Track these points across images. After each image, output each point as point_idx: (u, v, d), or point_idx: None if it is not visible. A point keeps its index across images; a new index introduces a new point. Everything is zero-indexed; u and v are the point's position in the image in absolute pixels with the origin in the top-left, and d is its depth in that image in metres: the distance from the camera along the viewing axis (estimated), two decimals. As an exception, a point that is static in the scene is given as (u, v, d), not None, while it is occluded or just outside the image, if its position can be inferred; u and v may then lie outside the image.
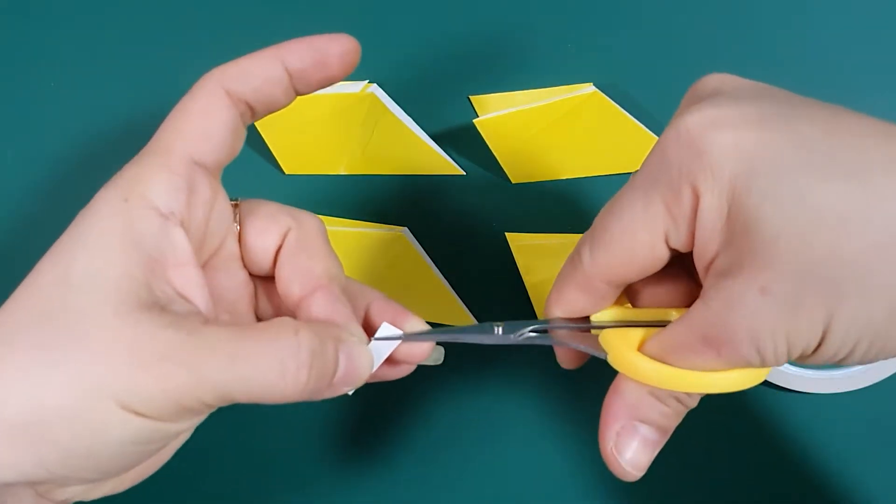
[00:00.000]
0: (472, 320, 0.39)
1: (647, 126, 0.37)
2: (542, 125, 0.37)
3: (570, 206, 0.39)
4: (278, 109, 0.27)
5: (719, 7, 0.38)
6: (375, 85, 0.38)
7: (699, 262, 0.23)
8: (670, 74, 0.38)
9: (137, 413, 0.22)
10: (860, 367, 0.38)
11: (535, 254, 0.38)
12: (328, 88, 0.36)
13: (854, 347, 0.22)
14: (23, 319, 0.22)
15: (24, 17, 0.40)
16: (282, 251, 0.27)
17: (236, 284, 0.28)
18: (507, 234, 0.39)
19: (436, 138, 0.39)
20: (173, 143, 0.25)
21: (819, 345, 0.22)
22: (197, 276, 0.24)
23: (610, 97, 0.37)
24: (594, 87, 0.37)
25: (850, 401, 0.38)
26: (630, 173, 0.38)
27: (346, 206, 0.40)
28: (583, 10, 0.38)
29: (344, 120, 0.38)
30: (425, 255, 0.39)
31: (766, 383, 0.39)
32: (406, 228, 0.39)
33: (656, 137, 0.37)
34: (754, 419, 0.39)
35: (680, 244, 0.24)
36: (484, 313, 0.40)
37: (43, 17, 0.40)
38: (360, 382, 0.25)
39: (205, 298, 0.24)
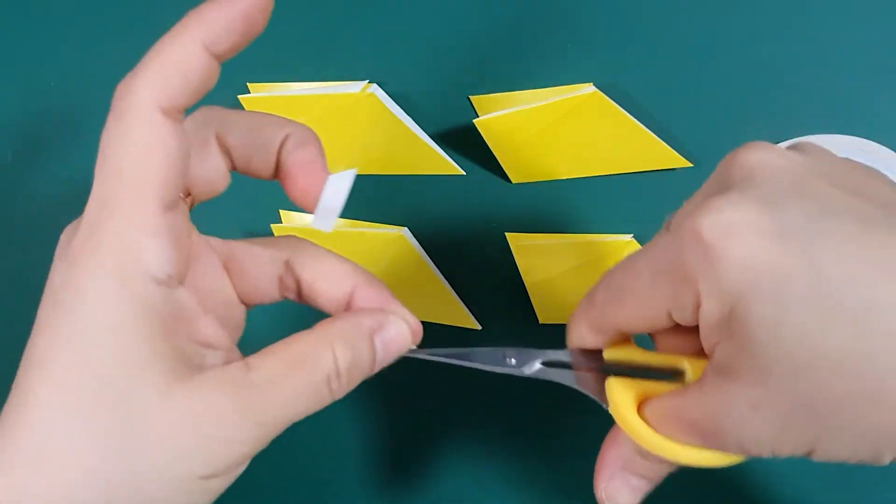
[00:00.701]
0: (472, 320, 0.39)
1: (647, 126, 0.37)
2: (543, 125, 0.37)
3: (570, 206, 0.39)
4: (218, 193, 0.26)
5: (720, 7, 0.38)
6: (375, 85, 0.38)
7: (703, 340, 0.23)
8: (671, 75, 0.38)
9: (216, 475, 0.22)
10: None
11: (535, 254, 0.38)
12: (328, 88, 0.37)
13: (843, 461, 0.22)
14: (68, 421, 0.21)
15: (24, 16, 0.40)
16: (301, 271, 0.27)
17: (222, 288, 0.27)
18: (507, 234, 0.39)
19: (436, 138, 0.39)
20: (139, 195, 0.22)
21: (807, 455, 0.22)
22: (211, 323, 0.24)
23: (610, 97, 0.37)
24: (594, 88, 0.37)
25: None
26: (630, 173, 0.38)
27: (347, 206, 0.40)
28: (583, 10, 0.38)
29: (344, 120, 0.38)
30: (425, 255, 0.39)
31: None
32: (406, 228, 0.39)
33: (656, 138, 0.37)
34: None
35: (685, 322, 0.24)
36: (484, 314, 0.40)
37: (43, 17, 0.40)
38: (400, 352, 0.26)
39: (225, 338, 0.25)
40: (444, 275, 0.39)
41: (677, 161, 0.38)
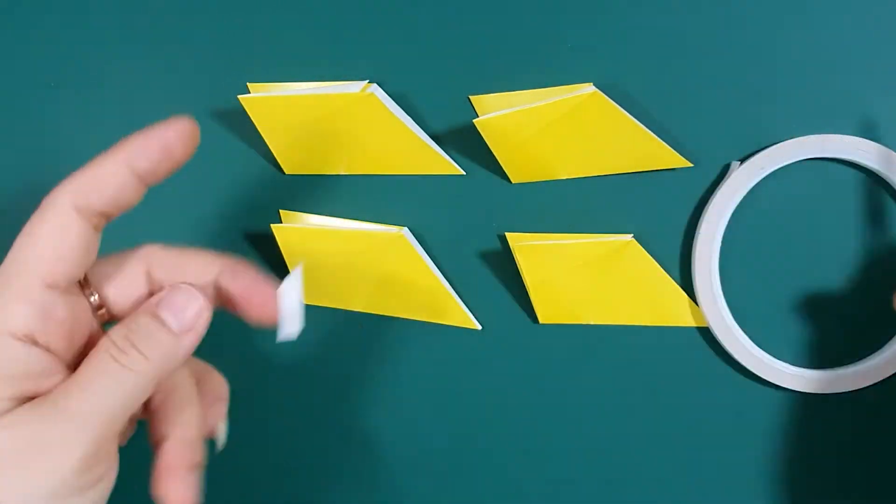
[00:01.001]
0: (473, 321, 0.39)
1: (647, 126, 0.37)
2: (543, 125, 0.37)
3: (570, 206, 0.39)
4: (131, 208, 0.28)
5: (720, 7, 0.38)
6: (375, 85, 0.38)
7: None
8: (671, 75, 0.38)
9: (56, 497, 0.23)
10: (860, 366, 0.38)
11: (535, 254, 0.38)
12: (328, 88, 0.36)
13: None
14: None
15: (24, 15, 0.40)
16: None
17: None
18: (507, 234, 0.39)
19: (436, 138, 0.39)
20: (27, 270, 0.25)
21: None
22: (60, 377, 0.26)
23: (610, 97, 0.37)
24: (594, 88, 0.37)
25: (850, 401, 0.38)
26: (630, 173, 0.38)
27: (347, 206, 0.40)
28: (583, 10, 0.38)
29: (344, 120, 0.38)
30: (425, 255, 0.39)
31: (766, 383, 0.39)
32: (406, 228, 0.39)
33: (656, 138, 0.37)
34: (755, 419, 0.39)
35: None
36: (484, 314, 0.40)
37: (44, 16, 0.40)
38: (203, 315, 0.27)
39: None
40: (443, 274, 0.39)
41: (677, 161, 0.38)
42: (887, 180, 0.38)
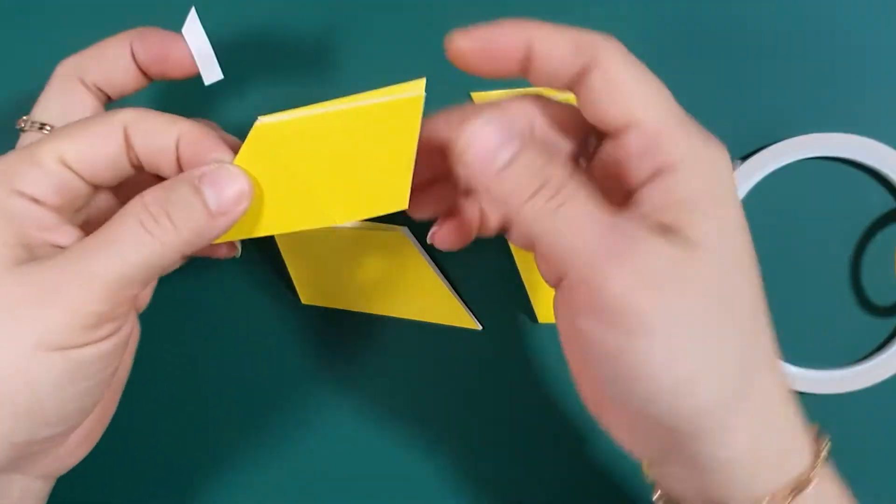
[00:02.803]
0: (473, 320, 0.39)
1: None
2: (543, 124, 0.37)
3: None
4: (130, 93, 0.30)
5: (720, 7, 0.38)
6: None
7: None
8: (671, 74, 0.38)
9: (58, 347, 0.23)
10: (860, 367, 0.38)
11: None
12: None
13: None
14: None
15: (23, 14, 0.39)
16: (144, 156, 0.27)
17: None
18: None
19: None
20: (43, 142, 0.26)
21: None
22: (71, 231, 0.26)
23: (611, 96, 0.37)
24: (595, 86, 0.37)
25: (850, 401, 0.38)
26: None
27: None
28: (584, 10, 0.38)
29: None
30: (425, 254, 0.38)
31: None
32: (406, 228, 0.39)
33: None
34: (754, 419, 0.39)
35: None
36: (484, 314, 0.39)
37: (43, 15, 0.40)
38: (243, 200, 0.26)
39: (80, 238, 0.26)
40: (444, 274, 0.39)
41: (678, 161, 0.38)
42: (888, 179, 0.38)
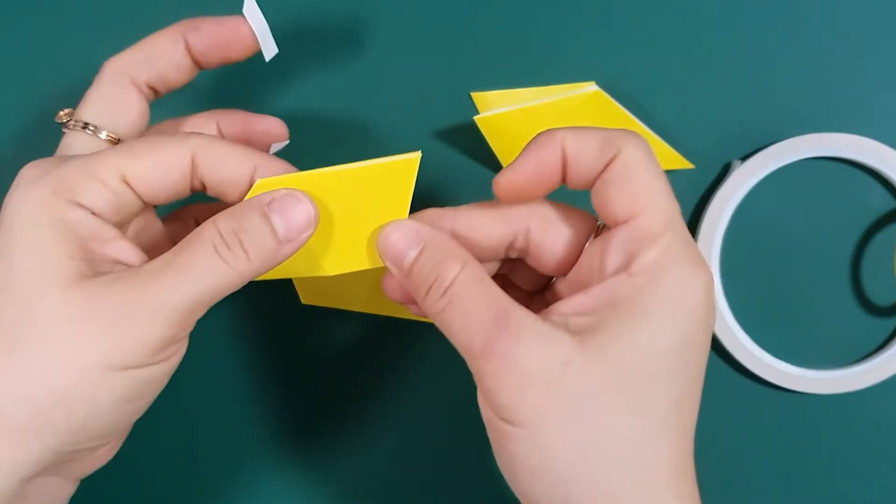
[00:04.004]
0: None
1: (648, 126, 0.37)
2: (543, 123, 0.37)
3: (570, 204, 0.39)
4: (179, 87, 0.30)
5: (721, 7, 0.38)
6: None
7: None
8: (672, 74, 0.38)
9: (123, 367, 0.24)
10: (860, 367, 0.38)
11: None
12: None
13: None
14: None
15: (22, 12, 0.39)
16: (203, 175, 0.27)
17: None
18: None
19: (435, 135, 0.39)
20: (108, 156, 0.26)
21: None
22: (129, 246, 0.26)
23: (612, 96, 0.37)
24: (596, 86, 0.37)
25: (850, 401, 0.39)
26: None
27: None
28: (586, 8, 0.38)
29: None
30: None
31: (766, 383, 0.38)
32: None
33: (658, 138, 0.37)
34: (755, 419, 0.39)
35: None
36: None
37: (42, 14, 0.39)
38: (310, 227, 0.26)
39: (140, 257, 0.26)
40: (443, 274, 0.39)
41: (679, 162, 0.38)
42: (888, 179, 0.38)
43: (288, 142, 0.33)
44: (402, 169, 0.27)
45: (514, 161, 0.27)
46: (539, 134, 0.27)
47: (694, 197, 0.39)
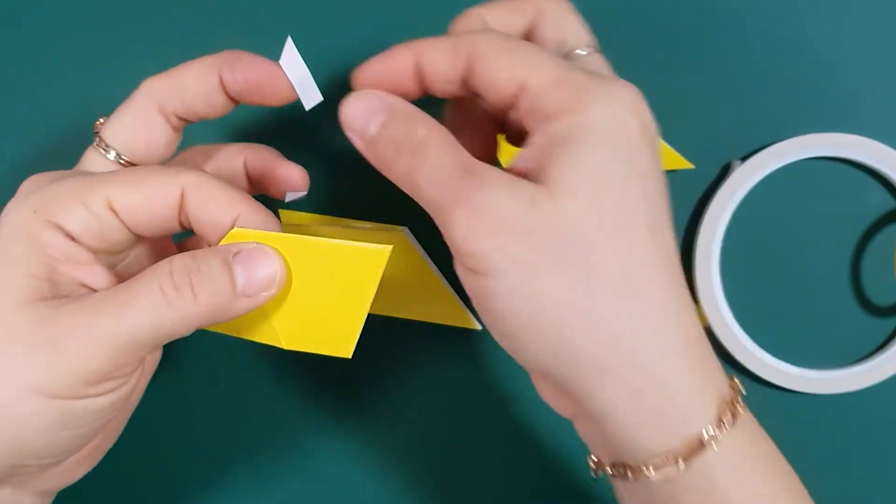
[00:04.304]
0: (473, 321, 0.39)
1: (648, 125, 0.37)
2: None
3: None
4: (211, 119, 0.29)
5: (721, 7, 0.38)
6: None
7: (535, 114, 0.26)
8: (671, 74, 0.38)
9: (53, 396, 0.23)
10: (860, 367, 0.38)
11: None
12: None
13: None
14: None
15: (21, 14, 0.39)
16: (189, 212, 0.27)
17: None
18: None
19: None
20: (95, 181, 0.25)
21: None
22: (102, 272, 0.26)
23: (611, 96, 0.37)
24: (595, 87, 0.37)
25: (850, 401, 0.38)
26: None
27: (347, 207, 0.39)
28: (586, 9, 0.38)
29: None
30: (425, 255, 0.38)
31: (766, 383, 0.39)
32: (406, 228, 0.39)
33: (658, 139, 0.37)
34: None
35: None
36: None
37: (41, 16, 0.40)
38: (271, 287, 0.26)
39: (112, 283, 0.26)
40: (444, 274, 0.39)
41: (679, 162, 0.38)
42: (888, 179, 0.38)
43: (306, 193, 0.32)
44: (375, 255, 0.26)
45: (367, 61, 0.27)
46: (394, 46, 0.27)
47: (694, 197, 0.39)
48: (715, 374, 0.25)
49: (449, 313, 0.39)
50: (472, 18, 0.28)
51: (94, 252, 0.26)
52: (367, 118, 0.26)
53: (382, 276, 0.39)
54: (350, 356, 0.27)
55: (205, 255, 0.25)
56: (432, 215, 0.25)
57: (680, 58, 0.38)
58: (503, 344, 0.25)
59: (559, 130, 0.24)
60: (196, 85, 0.28)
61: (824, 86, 0.38)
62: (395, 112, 0.26)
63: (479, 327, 0.39)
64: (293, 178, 0.31)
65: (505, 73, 0.25)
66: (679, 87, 0.38)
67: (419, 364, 0.40)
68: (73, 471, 0.28)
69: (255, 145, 0.31)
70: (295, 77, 0.28)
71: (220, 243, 0.26)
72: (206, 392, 0.40)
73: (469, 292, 0.25)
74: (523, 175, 0.25)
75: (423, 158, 0.25)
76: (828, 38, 0.38)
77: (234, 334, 0.28)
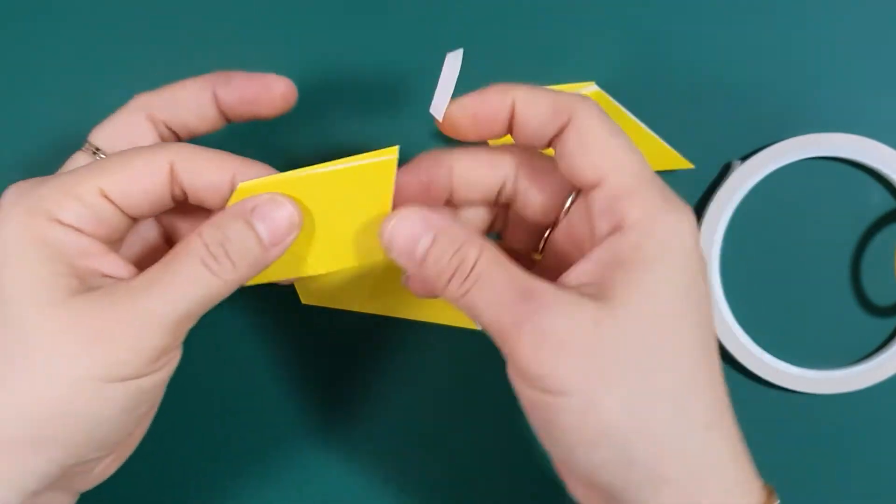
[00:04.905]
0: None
1: (649, 126, 0.37)
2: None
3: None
4: (202, 136, 0.29)
5: (721, 7, 0.38)
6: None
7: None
8: (672, 74, 0.38)
9: (119, 379, 0.24)
10: (860, 367, 0.38)
11: None
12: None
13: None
14: None
15: (23, 16, 0.39)
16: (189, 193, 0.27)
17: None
18: None
19: (435, 135, 0.39)
20: (83, 173, 0.26)
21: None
22: (119, 261, 0.26)
23: (612, 96, 0.37)
24: (596, 86, 0.37)
25: (850, 401, 0.39)
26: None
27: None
28: (586, 9, 0.38)
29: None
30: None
31: (766, 383, 0.39)
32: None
33: (658, 138, 0.37)
34: (755, 419, 0.39)
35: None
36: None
37: (41, 17, 0.39)
38: (293, 230, 0.27)
39: (131, 271, 0.26)
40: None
41: (679, 162, 0.38)
42: (888, 179, 0.38)
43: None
44: (382, 167, 0.27)
45: (463, 97, 0.27)
46: (494, 84, 0.27)
47: (694, 197, 0.39)
48: (753, 482, 0.26)
49: (449, 313, 0.39)
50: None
51: (102, 241, 0.26)
52: (414, 240, 0.26)
53: (382, 276, 0.39)
54: (382, 258, 0.28)
55: (227, 222, 0.26)
56: (491, 336, 0.26)
57: (680, 57, 0.38)
58: (557, 454, 0.26)
59: (624, 249, 0.25)
60: (189, 98, 0.29)
61: (824, 86, 0.38)
62: (442, 234, 0.26)
63: (479, 327, 0.39)
64: (278, 88, 0.30)
65: (593, 154, 0.26)
66: (679, 87, 0.38)
67: (419, 364, 0.40)
68: (107, 469, 0.29)
69: (216, 73, 0.30)
70: (445, 80, 0.28)
71: (229, 203, 0.27)
72: (203, 392, 0.40)
73: (528, 406, 0.25)
74: (582, 288, 0.25)
75: (478, 283, 0.25)
76: (828, 38, 0.38)
77: (275, 280, 0.29)
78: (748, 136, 0.38)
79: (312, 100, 0.38)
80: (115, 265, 0.26)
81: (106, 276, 0.26)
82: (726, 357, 0.39)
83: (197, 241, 0.25)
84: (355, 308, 0.39)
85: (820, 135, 0.37)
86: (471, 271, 0.25)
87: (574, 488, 0.27)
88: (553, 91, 0.27)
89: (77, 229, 0.25)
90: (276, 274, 0.29)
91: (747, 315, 0.38)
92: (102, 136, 0.29)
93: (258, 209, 0.26)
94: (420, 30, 0.38)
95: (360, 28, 0.39)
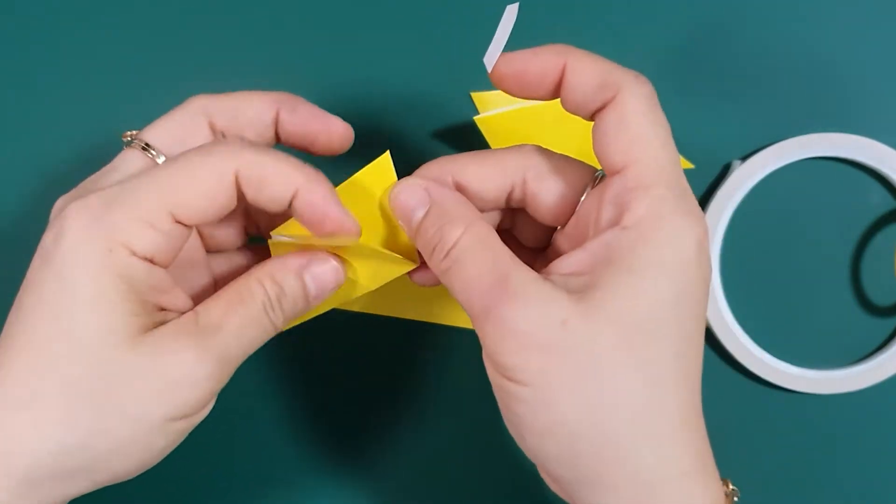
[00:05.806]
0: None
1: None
2: (544, 123, 0.37)
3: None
4: None
5: (721, 7, 0.38)
6: None
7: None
8: (672, 74, 0.38)
9: (182, 417, 0.25)
10: (860, 367, 0.38)
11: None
12: None
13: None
14: (43, 384, 0.24)
15: (23, 19, 0.39)
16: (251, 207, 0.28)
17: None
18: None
19: (436, 135, 0.39)
20: (152, 195, 0.25)
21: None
22: (182, 294, 0.27)
23: (612, 96, 0.37)
24: (596, 86, 0.37)
25: (850, 401, 0.39)
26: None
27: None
28: (586, 9, 0.38)
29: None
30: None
31: (766, 383, 0.39)
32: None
33: (658, 136, 0.37)
34: (755, 419, 0.39)
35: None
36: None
37: (41, 20, 0.39)
38: (338, 286, 0.28)
39: (189, 303, 0.27)
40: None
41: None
42: (888, 179, 0.38)
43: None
44: (380, 166, 0.28)
45: (516, 52, 0.27)
46: (552, 44, 0.27)
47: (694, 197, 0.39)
48: (712, 486, 0.25)
49: (449, 313, 0.39)
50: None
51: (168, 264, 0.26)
52: (412, 208, 0.27)
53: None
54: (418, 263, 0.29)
55: (283, 276, 0.27)
56: (467, 313, 0.26)
57: (680, 57, 0.38)
58: (517, 441, 0.26)
59: (619, 247, 0.24)
60: (252, 112, 0.29)
61: (824, 86, 0.38)
62: (433, 206, 0.27)
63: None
64: (337, 132, 0.30)
65: (625, 142, 0.25)
66: (680, 87, 0.38)
67: (419, 364, 0.40)
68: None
69: (283, 95, 0.29)
70: (499, 35, 0.27)
71: (273, 253, 0.28)
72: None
73: (493, 386, 0.26)
74: (569, 279, 0.25)
75: (456, 263, 0.25)
76: (828, 38, 0.38)
77: (324, 310, 0.30)
78: (748, 136, 0.38)
79: (312, 100, 0.38)
80: (181, 300, 0.27)
81: (169, 309, 0.26)
82: (727, 357, 0.39)
83: (260, 289, 0.26)
84: (355, 308, 0.39)
85: (820, 135, 0.37)
86: (451, 249, 0.25)
87: (542, 476, 0.27)
88: (608, 63, 0.26)
89: (150, 260, 0.25)
90: (326, 305, 0.30)
91: (747, 315, 0.38)
92: (156, 134, 0.28)
93: (311, 267, 0.27)
94: (420, 30, 0.38)
95: (360, 28, 0.39)
